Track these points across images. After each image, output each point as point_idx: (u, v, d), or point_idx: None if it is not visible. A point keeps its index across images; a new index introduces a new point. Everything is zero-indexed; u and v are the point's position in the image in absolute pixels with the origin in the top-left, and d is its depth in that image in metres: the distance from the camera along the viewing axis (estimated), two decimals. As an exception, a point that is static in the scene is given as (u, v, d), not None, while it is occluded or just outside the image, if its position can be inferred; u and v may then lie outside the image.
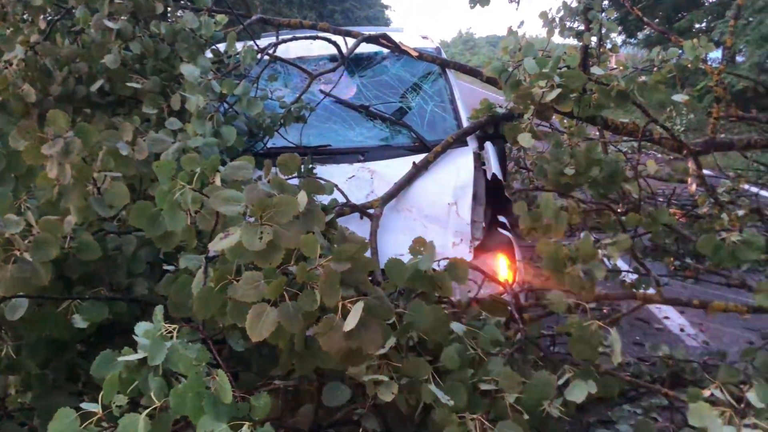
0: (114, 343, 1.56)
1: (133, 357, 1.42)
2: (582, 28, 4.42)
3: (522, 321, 2.14)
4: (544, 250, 2.06)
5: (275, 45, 3.36)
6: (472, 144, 3.62)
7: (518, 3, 3.87)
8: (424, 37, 4.51)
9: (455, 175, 3.34)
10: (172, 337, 1.52)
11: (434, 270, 1.96)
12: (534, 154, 7.27)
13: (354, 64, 4.05)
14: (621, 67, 2.85)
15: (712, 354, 3.63)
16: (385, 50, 4.08)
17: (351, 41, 3.75)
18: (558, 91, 2.53)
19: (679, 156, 4.47)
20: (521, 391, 1.63)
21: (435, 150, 3.39)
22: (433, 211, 3.20)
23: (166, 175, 1.72)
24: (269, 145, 3.44)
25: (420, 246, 1.94)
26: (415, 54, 3.93)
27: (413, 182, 3.29)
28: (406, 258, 2.04)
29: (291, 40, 3.62)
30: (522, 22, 4.67)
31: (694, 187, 4.43)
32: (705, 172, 3.94)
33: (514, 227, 3.42)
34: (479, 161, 3.47)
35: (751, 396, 1.72)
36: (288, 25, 3.81)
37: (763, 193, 7.37)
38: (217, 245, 1.48)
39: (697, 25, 20.62)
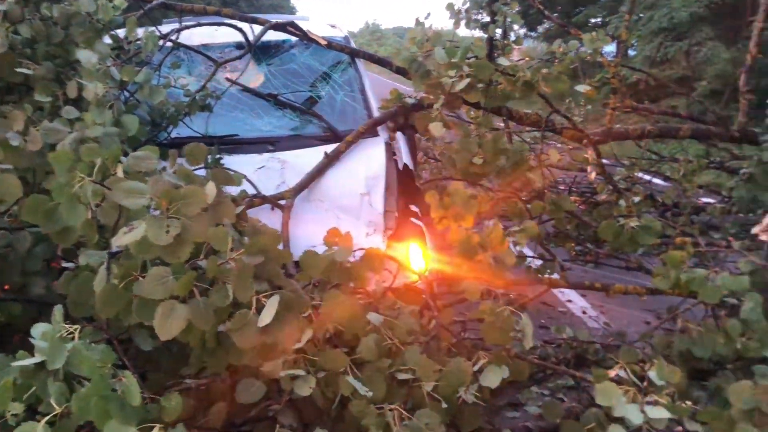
0: (9, 347, 1.46)
1: (29, 361, 1.33)
2: (487, 20, 4.52)
3: (436, 309, 2.17)
4: (456, 238, 2.09)
5: (179, 31, 3.24)
6: (383, 134, 3.62)
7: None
8: (332, 26, 4.47)
9: (367, 165, 3.33)
10: (73, 339, 1.44)
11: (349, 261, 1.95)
12: (442, 145, 7.41)
13: (261, 52, 3.95)
14: (526, 58, 2.92)
15: (613, 335, 3.80)
16: (293, 38, 4.01)
17: (258, 28, 3.66)
18: (467, 81, 2.57)
19: (580, 145, 4.65)
20: (438, 378, 1.65)
21: (347, 140, 3.37)
22: (346, 201, 3.19)
23: (63, 166, 1.61)
24: (173, 134, 3.31)
25: (335, 237, 1.92)
26: (323, 42, 3.89)
27: (325, 172, 3.26)
28: (320, 249, 2.02)
29: (196, 26, 3.50)
30: (429, 14, 4.71)
31: (593, 175, 4.62)
32: (602, 160, 4.12)
33: (425, 216, 3.46)
34: (390, 151, 3.48)
35: (652, 374, 1.81)
36: (191, 11, 3.68)
37: (656, 180, 7.81)
38: (120, 240, 1.40)
39: (593, 20, 21.56)
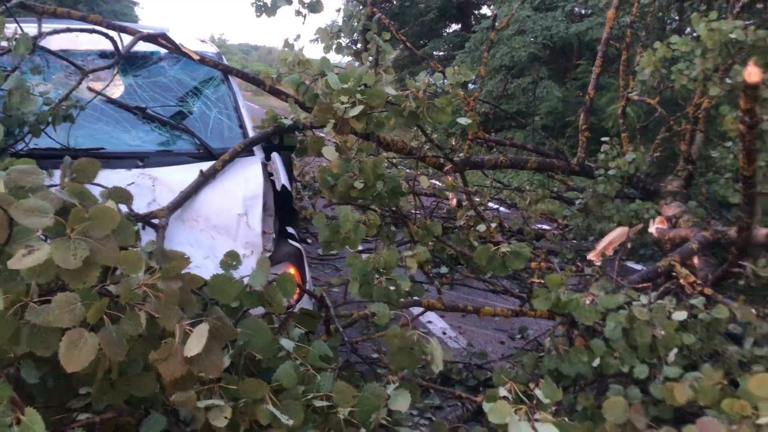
0: None
1: None
2: (359, 47, 4.62)
3: (328, 332, 2.16)
4: (353, 263, 2.11)
5: (48, 34, 2.99)
6: (259, 154, 3.57)
7: (304, 17, 3.92)
8: (202, 41, 4.34)
9: (244, 185, 3.26)
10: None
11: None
12: (300, 165, 7.40)
13: (127, 62, 3.75)
14: (413, 89, 3.03)
15: (475, 355, 3.99)
16: (162, 51, 3.85)
17: (126, 38, 3.48)
18: (361, 107, 2.61)
19: (441, 173, 4.87)
20: (354, 405, 1.64)
21: (223, 158, 3.28)
22: (222, 221, 3.09)
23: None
24: (31, 145, 3.04)
25: (232, 260, 1.87)
26: (196, 57, 3.77)
27: (200, 191, 3.15)
28: (196, 272, 1.94)
29: (66, 31, 3.26)
30: (299, 36, 4.72)
31: (455, 201, 4.86)
32: (468, 188, 4.35)
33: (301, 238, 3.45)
34: (267, 171, 3.43)
35: (539, 392, 1.93)
36: (53, 13, 3.41)
37: (502, 209, 8.33)
38: (19, 263, 1.27)
39: (437, 53, 22.66)
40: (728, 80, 5.60)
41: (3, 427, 1.17)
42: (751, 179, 4.01)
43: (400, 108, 2.90)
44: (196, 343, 1.27)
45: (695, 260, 5.00)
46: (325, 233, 2.52)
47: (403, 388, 1.78)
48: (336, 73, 2.75)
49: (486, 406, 1.92)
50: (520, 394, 1.92)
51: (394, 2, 22.32)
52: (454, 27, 23.83)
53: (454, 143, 8.70)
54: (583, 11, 14.48)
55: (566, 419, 1.99)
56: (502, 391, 2.00)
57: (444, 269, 5.44)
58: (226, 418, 1.44)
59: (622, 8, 7.80)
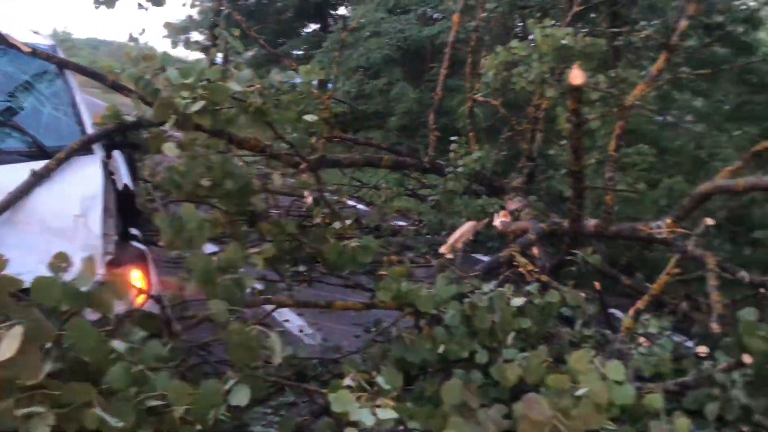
0: None
1: None
2: (208, 43, 4.54)
3: (171, 334, 2.12)
4: (194, 262, 2.08)
5: None
6: (99, 152, 3.40)
7: (147, 9, 3.79)
8: (35, 32, 4.06)
9: (82, 185, 3.10)
10: None
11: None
12: (151, 165, 7.12)
13: (-55, 53, 3.45)
14: (257, 85, 3.01)
15: (330, 349, 4.04)
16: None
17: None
18: (203, 103, 2.57)
19: (296, 171, 4.89)
20: (191, 402, 1.62)
21: (57, 157, 3.10)
22: (58, 223, 2.92)
23: None
24: None
25: (62, 262, 1.78)
26: (27, 50, 3.53)
27: (32, 192, 2.96)
28: (28, 277, 1.84)
29: None
30: (144, 30, 4.56)
31: (310, 199, 4.89)
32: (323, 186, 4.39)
33: (148, 239, 3.33)
34: (108, 170, 3.28)
35: (380, 380, 2.01)
36: None
37: (360, 206, 8.46)
38: None
39: (295, 52, 22.60)
40: (562, 83, 6.06)
41: None
42: (580, 174, 4.39)
43: (246, 104, 2.88)
44: (8, 347, 1.21)
45: (535, 250, 5.37)
46: (167, 232, 2.45)
47: (243, 383, 1.78)
48: (178, 68, 2.68)
49: (330, 397, 1.97)
50: (363, 382, 1.99)
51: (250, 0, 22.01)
52: (313, 26, 23.89)
53: (314, 142, 8.70)
54: (435, 15, 15.02)
55: (411, 405, 2.09)
56: (347, 381, 2.06)
57: (302, 268, 5.46)
58: (48, 426, 1.37)
59: (468, 13, 8.19)
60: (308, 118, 3.26)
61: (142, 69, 2.93)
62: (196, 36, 4.63)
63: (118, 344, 1.65)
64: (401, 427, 2.15)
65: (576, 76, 3.59)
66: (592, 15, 9.52)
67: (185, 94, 2.59)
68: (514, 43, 6.10)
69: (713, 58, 10.49)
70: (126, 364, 1.61)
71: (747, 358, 2.58)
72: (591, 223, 5.22)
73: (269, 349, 1.89)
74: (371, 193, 8.47)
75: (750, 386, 2.66)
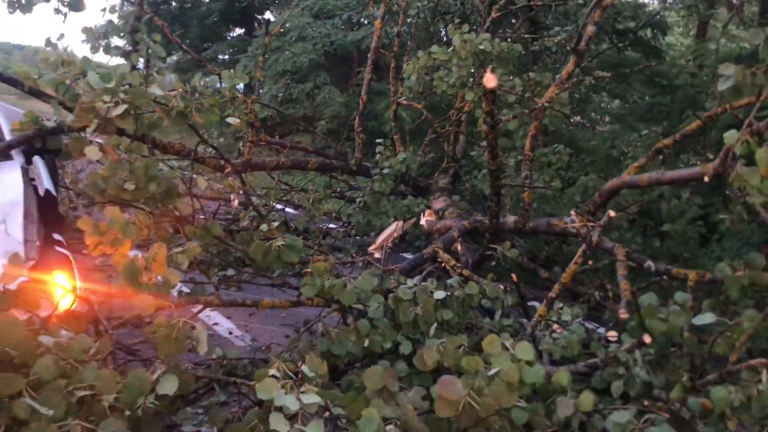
0: None
1: None
2: (129, 48, 4.52)
3: (98, 332, 2.16)
4: (119, 262, 2.13)
5: None
6: (18, 158, 3.37)
7: (65, 16, 3.76)
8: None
9: (2, 192, 3.08)
10: None
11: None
12: (72, 172, 6.98)
13: None
14: (179, 89, 3.05)
15: (259, 349, 4.10)
16: None
17: None
18: (124, 107, 2.61)
19: (222, 174, 4.93)
20: (119, 390, 1.68)
21: (-25, 164, 3.06)
22: (-24, 230, 2.90)
23: None
24: None
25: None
26: (-61, 55, 3.46)
27: (-53, 199, 2.92)
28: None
29: None
30: (62, 35, 4.52)
31: (236, 202, 4.94)
32: (247, 189, 4.45)
33: (70, 243, 3.32)
34: (29, 176, 3.26)
35: (305, 368, 2.11)
36: None
37: (288, 209, 8.50)
38: None
39: (221, 56, 22.35)
40: (481, 86, 6.29)
41: None
42: (497, 173, 4.60)
43: (168, 108, 2.92)
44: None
45: (459, 247, 5.58)
46: (92, 236, 2.48)
47: (171, 374, 1.85)
48: (99, 73, 2.70)
49: (257, 386, 2.05)
50: (288, 372, 2.09)
51: (174, 3, 21.62)
52: (239, 31, 23.68)
53: (240, 146, 8.71)
54: (361, 19, 15.19)
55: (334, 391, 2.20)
56: (272, 371, 2.15)
57: (231, 271, 5.48)
58: None
59: (392, 18, 8.38)
60: (231, 120, 3.32)
61: (62, 74, 2.93)
62: (116, 41, 4.59)
63: (45, 339, 1.69)
64: (327, 413, 2.26)
65: (489, 79, 3.78)
66: (513, 20, 9.86)
67: (106, 98, 2.62)
68: (434, 48, 6.30)
69: (625, 62, 11.05)
70: (54, 356, 1.65)
71: (647, 338, 2.81)
72: (510, 219, 5.46)
73: (195, 341, 1.97)
74: (299, 196, 8.53)
75: (650, 364, 2.90)
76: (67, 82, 2.87)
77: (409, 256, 7.46)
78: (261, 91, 14.63)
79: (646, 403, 2.72)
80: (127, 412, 1.65)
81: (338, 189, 8.48)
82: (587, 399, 2.43)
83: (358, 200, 7.20)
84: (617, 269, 4.26)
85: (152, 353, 3.20)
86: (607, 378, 2.92)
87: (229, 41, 22.69)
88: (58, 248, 3.15)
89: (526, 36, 8.27)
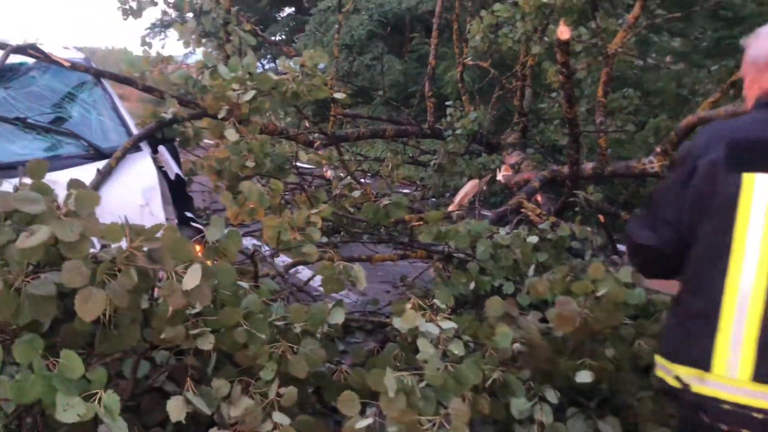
0: None
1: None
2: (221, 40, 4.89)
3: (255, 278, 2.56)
4: (269, 224, 2.50)
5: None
6: (146, 148, 3.79)
7: (171, 15, 4.13)
8: (65, 48, 4.42)
9: (141, 178, 3.50)
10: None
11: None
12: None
13: (-5, 75, 3.82)
14: (291, 72, 3.39)
15: (368, 303, 4.48)
16: (30, 61, 3.94)
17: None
18: (252, 92, 2.96)
19: (313, 149, 5.28)
20: (306, 320, 2.04)
21: (116, 156, 3.49)
22: (127, 213, 3.31)
23: None
24: None
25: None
26: (67, 64, 3.91)
27: (100, 189, 3.36)
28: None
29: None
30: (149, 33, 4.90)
31: (329, 173, 5.29)
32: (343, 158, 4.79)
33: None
34: (158, 164, 3.68)
35: (437, 300, 2.44)
36: None
37: (364, 180, 8.85)
38: (25, 242, 1.55)
39: (275, 38, 22.79)
40: (546, 39, 6.43)
41: (44, 368, 1.47)
42: (574, 121, 4.79)
43: (283, 90, 3.26)
44: (192, 279, 1.62)
45: (539, 198, 5.80)
46: (232, 207, 2.85)
47: (338, 306, 2.21)
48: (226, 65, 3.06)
49: (395, 321, 2.39)
50: (421, 304, 2.42)
51: (225, -9, 22.16)
52: (288, 11, 24.03)
53: (307, 124, 9.07)
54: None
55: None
56: (407, 306, 2.48)
57: (324, 239, 5.89)
58: (211, 343, 1.79)
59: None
60: (338, 95, 3.63)
61: (157, 69, 3.28)
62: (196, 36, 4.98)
63: (242, 284, 2.06)
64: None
65: (563, 31, 3.98)
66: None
67: (236, 86, 2.98)
68: (497, 6, 6.46)
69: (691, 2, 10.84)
70: (254, 296, 2.02)
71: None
72: (588, 166, 5.64)
73: (355, 278, 2.32)
74: (374, 165, 8.85)
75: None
76: (194, 75, 3.24)
77: (487, 213, 7.72)
78: (323, 66, 15.05)
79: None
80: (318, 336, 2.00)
81: (410, 155, 8.75)
82: None
83: (432, 163, 7.46)
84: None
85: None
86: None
87: (281, 21, 23.07)
88: (193, 224, 3.58)
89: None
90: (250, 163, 3.38)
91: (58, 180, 3.39)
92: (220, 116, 3.12)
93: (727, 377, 1.62)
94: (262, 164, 3.48)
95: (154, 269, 1.69)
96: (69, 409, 1.45)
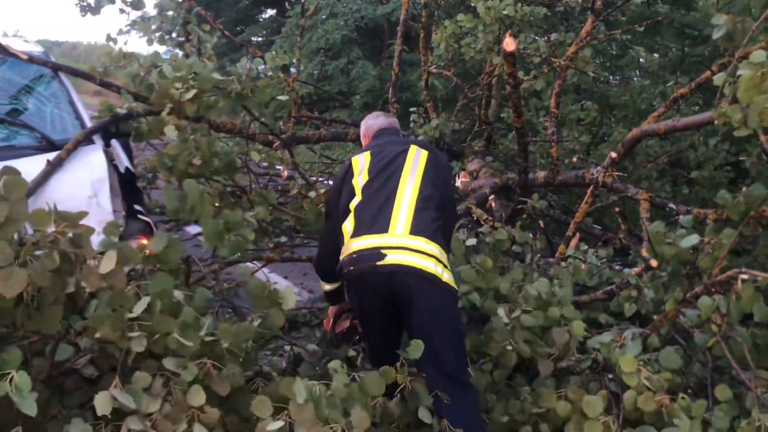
0: None
1: None
2: (182, 39, 4.99)
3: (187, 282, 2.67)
4: (206, 224, 2.62)
5: None
6: (99, 142, 3.89)
7: (128, 14, 4.23)
8: (26, 41, 4.50)
9: (90, 171, 3.60)
10: None
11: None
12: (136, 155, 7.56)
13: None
14: (236, 74, 3.50)
15: (316, 299, 4.61)
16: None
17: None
18: (194, 91, 3.08)
19: (271, 149, 5.40)
20: (232, 339, 2.18)
21: (67, 147, 3.58)
22: (74, 204, 3.39)
23: None
24: None
25: (112, 228, 2.30)
26: (25, 57, 3.99)
27: (48, 179, 3.45)
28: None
29: None
30: (121, 30, 4.99)
31: (285, 173, 5.41)
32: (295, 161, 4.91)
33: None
34: (110, 157, 3.78)
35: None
36: None
37: (330, 182, 8.97)
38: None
39: (254, 39, 22.82)
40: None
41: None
42: (522, 130, 4.96)
43: (228, 91, 3.38)
44: (108, 263, 1.73)
45: (493, 204, 5.97)
46: (173, 204, 2.96)
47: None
48: (169, 64, 3.17)
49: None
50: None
51: (208, -11, 22.13)
52: (270, 12, 24.10)
53: (281, 125, 9.17)
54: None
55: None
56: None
57: (284, 238, 6.00)
58: (143, 346, 1.90)
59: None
60: (281, 98, 3.76)
61: (136, 67, 3.40)
62: (165, 33, 5.07)
63: (177, 293, 2.17)
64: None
65: (508, 43, 4.14)
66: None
67: (179, 85, 3.09)
68: (460, 16, 6.62)
69: (656, 15, 11.12)
70: (189, 308, 2.13)
71: (653, 262, 3.19)
72: (540, 174, 5.82)
73: (282, 299, 2.45)
74: (340, 167, 8.96)
75: (663, 285, 3.27)
76: (141, 73, 3.35)
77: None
78: (292, 70, 15.17)
79: (655, 318, 3.10)
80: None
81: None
82: (579, 326, 2.85)
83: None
84: (640, 212, 4.61)
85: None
86: (621, 302, 3.31)
87: (262, 23, 23.14)
88: (141, 216, 3.68)
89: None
90: (197, 161, 3.49)
91: (9, 170, 3.53)
92: (163, 113, 3.23)
93: None
94: (210, 162, 3.59)
95: (75, 253, 1.80)
96: (-21, 386, 1.56)
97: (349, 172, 2.95)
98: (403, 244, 2.65)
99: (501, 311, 2.99)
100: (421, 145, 3.08)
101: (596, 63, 11.20)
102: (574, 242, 4.35)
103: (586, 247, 4.41)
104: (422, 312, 2.61)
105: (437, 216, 2.81)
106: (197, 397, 1.96)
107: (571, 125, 7.15)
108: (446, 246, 2.89)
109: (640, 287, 3.23)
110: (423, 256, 2.64)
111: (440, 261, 2.69)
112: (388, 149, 2.97)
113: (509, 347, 2.83)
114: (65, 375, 2.01)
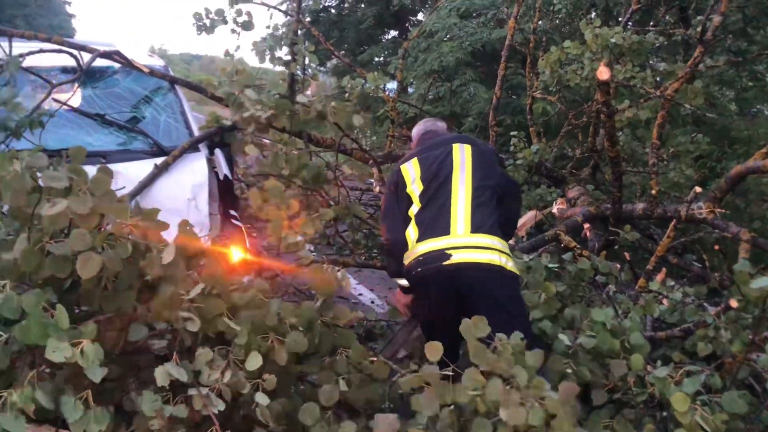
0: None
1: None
2: (288, 58, 5.31)
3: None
4: (271, 215, 2.84)
5: (27, 54, 3.63)
6: (204, 150, 4.23)
7: (239, 34, 4.58)
8: (150, 55, 4.97)
9: (192, 175, 3.94)
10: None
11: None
12: (243, 168, 8.06)
13: (86, 75, 4.37)
14: (316, 96, 3.74)
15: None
16: (116, 65, 4.48)
17: (86, 55, 4.11)
18: (270, 112, 3.34)
19: (366, 164, 5.59)
20: (297, 315, 2.35)
21: (173, 154, 3.94)
22: (175, 205, 3.74)
23: None
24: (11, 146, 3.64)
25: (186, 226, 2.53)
26: (146, 70, 4.41)
27: (155, 181, 3.80)
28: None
29: (40, 52, 3.88)
30: (238, 47, 5.39)
31: (378, 188, 5.58)
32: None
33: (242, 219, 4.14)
34: (211, 164, 4.10)
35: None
36: (22, 36, 4.01)
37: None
38: (48, 211, 1.93)
39: (376, 59, 23.45)
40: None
41: (43, 317, 1.82)
42: (616, 159, 4.87)
43: (308, 109, 3.62)
44: (168, 256, 1.95)
45: (588, 233, 5.86)
46: (258, 200, 3.20)
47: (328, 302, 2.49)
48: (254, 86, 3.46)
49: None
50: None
51: (332, 11, 23.03)
52: (392, 33, 24.68)
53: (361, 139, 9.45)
54: (504, 17, 15.41)
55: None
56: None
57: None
58: (197, 327, 2.10)
59: (528, 15, 8.68)
60: (356, 120, 3.91)
61: (232, 86, 3.70)
62: (278, 52, 5.42)
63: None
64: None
65: (602, 72, 4.11)
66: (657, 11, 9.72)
67: (259, 107, 3.37)
68: (566, 42, 6.58)
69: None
70: (242, 291, 2.31)
71: (733, 303, 3.06)
72: (639, 206, 5.66)
73: (341, 280, 2.58)
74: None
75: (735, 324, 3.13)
76: (236, 93, 3.64)
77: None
78: (410, 90, 15.43)
79: (727, 361, 2.98)
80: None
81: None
82: (638, 360, 2.78)
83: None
84: (739, 252, 4.40)
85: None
86: (696, 341, 3.20)
87: (384, 44, 23.71)
88: (233, 221, 3.97)
89: (664, 28, 8.22)
90: (285, 171, 3.74)
91: (125, 170, 3.92)
92: (248, 131, 3.52)
93: None
94: (297, 173, 3.83)
95: (146, 244, 2.03)
96: (57, 351, 1.80)
97: (400, 182, 3.10)
98: (467, 243, 2.82)
99: (563, 336, 2.99)
100: (462, 140, 3.18)
101: (720, 95, 10.68)
102: (660, 276, 4.23)
103: (673, 283, 4.27)
104: (490, 302, 2.74)
105: (494, 208, 2.99)
106: (254, 361, 2.12)
107: (683, 158, 6.88)
108: (511, 229, 3.24)
109: (718, 327, 3.11)
110: (486, 251, 2.82)
111: (503, 252, 2.87)
112: (433, 154, 3.09)
113: (569, 370, 2.81)
114: (138, 353, 2.24)
